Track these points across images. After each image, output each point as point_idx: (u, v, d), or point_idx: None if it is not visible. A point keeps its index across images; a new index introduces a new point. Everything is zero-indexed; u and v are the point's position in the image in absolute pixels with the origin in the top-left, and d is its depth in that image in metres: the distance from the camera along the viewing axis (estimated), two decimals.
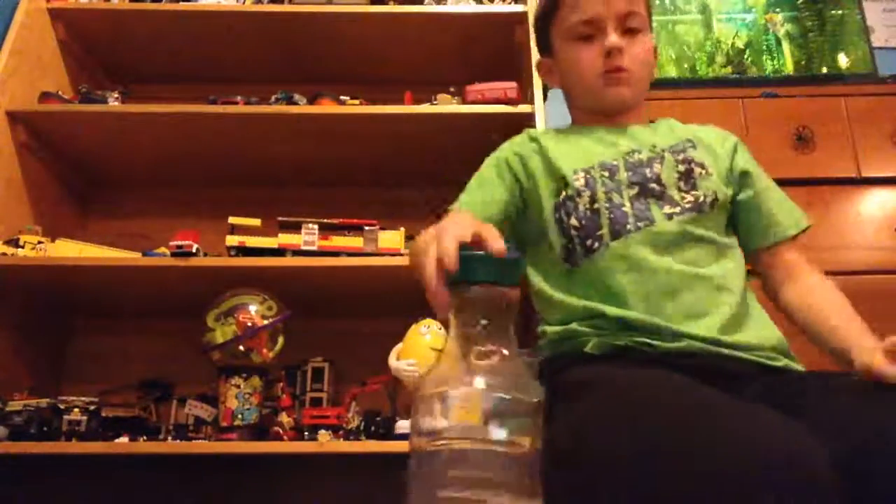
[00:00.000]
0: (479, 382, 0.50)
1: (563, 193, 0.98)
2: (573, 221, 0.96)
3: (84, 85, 1.81)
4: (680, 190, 0.97)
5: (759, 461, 0.55)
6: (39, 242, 1.55)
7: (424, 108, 1.70)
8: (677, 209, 0.95)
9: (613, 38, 1.01)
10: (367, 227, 1.59)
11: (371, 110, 1.70)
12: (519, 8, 1.81)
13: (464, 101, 1.71)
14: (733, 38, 2.28)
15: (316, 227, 1.58)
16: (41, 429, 1.40)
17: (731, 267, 0.96)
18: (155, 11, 1.81)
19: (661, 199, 0.96)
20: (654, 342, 0.85)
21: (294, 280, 1.57)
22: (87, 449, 1.39)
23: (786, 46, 2.26)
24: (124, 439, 1.42)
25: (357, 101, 1.75)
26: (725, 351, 0.86)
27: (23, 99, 1.66)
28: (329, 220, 1.60)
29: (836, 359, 0.89)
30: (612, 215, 0.94)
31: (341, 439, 1.41)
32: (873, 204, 1.81)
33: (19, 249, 1.53)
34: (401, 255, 1.57)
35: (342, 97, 1.75)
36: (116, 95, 1.75)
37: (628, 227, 0.93)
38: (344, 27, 1.85)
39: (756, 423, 0.59)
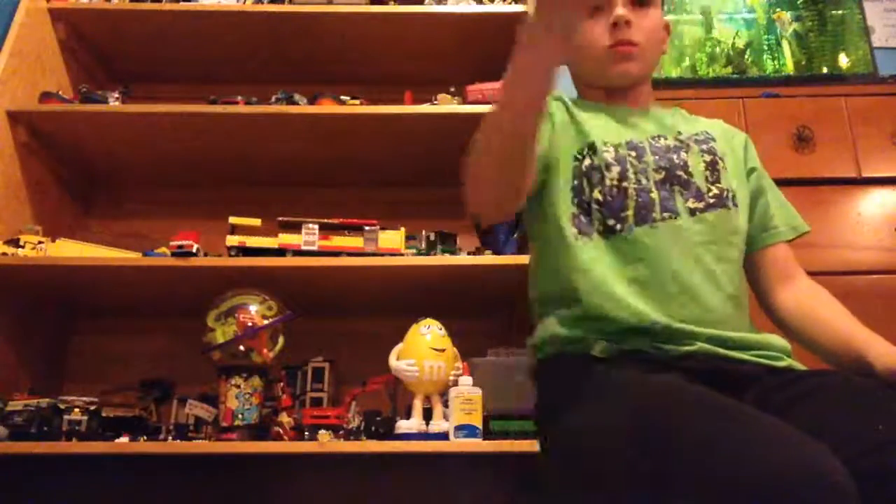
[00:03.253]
0: None
1: (589, 161, 0.94)
2: (596, 195, 0.92)
3: (84, 85, 1.81)
4: (707, 181, 0.95)
5: (783, 480, 0.54)
6: (40, 242, 1.55)
7: (424, 108, 1.70)
8: (701, 204, 0.93)
9: (620, 10, 0.97)
10: (367, 227, 1.59)
11: (371, 110, 1.70)
12: (519, 8, 1.81)
13: (464, 101, 1.71)
14: (733, 38, 2.28)
15: (316, 227, 1.58)
16: (41, 429, 1.39)
17: (739, 267, 0.96)
18: (155, 11, 1.81)
19: (687, 188, 0.93)
20: (664, 346, 0.84)
21: (294, 280, 1.57)
22: (87, 449, 1.39)
23: (786, 46, 2.26)
24: (124, 439, 1.42)
25: (357, 101, 1.75)
26: (733, 353, 0.85)
27: (23, 99, 1.66)
28: (329, 220, 1.60)
29: (838, 363, 0.89)
30: (639, 199, 0.91)
31: (341, 439, 1.41)
32: (873, 204, 1.81)
33: (19, 249, 1.52)
34: (401, 254, 1.57)
35: (342, 97, 1.75)
36: (116, 95, 1.75)
37: (653, 215, 0.90)
38: (344, 27, 1.85)
39: (778, 438, 0.59)
